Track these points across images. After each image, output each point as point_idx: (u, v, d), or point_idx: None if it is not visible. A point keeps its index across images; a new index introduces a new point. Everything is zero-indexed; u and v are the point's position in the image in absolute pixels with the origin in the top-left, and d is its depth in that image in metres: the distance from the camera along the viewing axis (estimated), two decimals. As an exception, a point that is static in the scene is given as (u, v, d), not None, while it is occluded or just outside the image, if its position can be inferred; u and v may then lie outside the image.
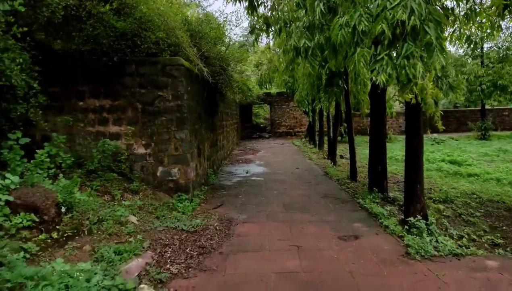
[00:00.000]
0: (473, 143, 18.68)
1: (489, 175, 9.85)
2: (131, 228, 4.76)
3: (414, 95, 4.95)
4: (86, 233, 4.31)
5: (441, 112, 5.29)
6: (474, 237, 5.17)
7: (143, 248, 4.36)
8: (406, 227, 5.28)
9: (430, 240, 4.71)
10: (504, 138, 20.51)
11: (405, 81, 4.12)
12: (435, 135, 19.45)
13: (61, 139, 5.88)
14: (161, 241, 4.72)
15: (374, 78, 4.15)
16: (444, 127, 6.32)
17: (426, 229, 5.06)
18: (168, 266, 4.08)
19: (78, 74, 6.82)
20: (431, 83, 5.00)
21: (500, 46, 19.09)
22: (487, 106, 21.97)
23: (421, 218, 5.26)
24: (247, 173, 10.82)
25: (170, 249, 4.51)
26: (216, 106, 11.54)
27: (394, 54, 4.16)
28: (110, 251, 3.90)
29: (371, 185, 7.73)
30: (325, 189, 8.42)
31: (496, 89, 18.95)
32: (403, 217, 5.81)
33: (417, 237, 4.85)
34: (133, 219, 5.10)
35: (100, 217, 4.68)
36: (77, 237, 4.18)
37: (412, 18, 3.77)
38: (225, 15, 23.68)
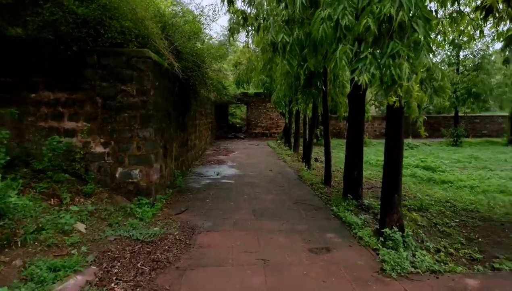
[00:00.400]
0: (446, 149, 18.85)
1: (463, 182, 9.74)
2: (76, 238, 4.19)
3: (397, 98, 4.61)
4: (19, 245, 3.72)
5: (425, 117, 4.98)
6: (451, 250, 4.88)
7: (87, 262, 3.80)
8: (381, 239, 4.93)
9: (406, 255, 4.37)
10: (475, 145, 20.88)
11: (389, 83, 3.78)
12: (409, 140, 19.55)
13: (3, 135, 5.22)
14: (109, 253, 4.17)
15: (356, 78, 3.79)
16: (427, 134, 6.05)
17: (402, 242, 4.73)
18: (112, 284, 3.53)
19: (33, 63, 6.18)
20: (417, 85, 4.66)
21: (476, 54, 19.36)
22: (460, 114, 22.28)
23: (397, 229, 4.92)
24: (218, 174, 10.32)
25: (118, 263, 3.96)
26: (189, 104, 11.00)
27: (379, 53, 3.81)
28: (43, 267, 3.34)
29: (346, 191, 7.40)
30: (298, 194, 8.03)
31: (470, 97, 19.20)
32: (377, 226, 5.47)
33: (393, 251, 4.51)
34: (80, 226, 4.52)
35: (40, 225, 4.08)
36: (6, 250, 3.59)
37: (401, 13, 3.44)
38: (201, 8, 22.96)
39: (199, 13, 10.58)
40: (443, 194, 8.57)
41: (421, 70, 4.23)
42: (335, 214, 6.38)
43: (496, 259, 4.62)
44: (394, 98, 4.37)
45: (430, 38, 4.14)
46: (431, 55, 3.92)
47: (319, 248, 4.84)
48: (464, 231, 5.88)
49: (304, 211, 6.66)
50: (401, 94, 4.27)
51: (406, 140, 18.79)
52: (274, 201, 7.39)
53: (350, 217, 5.95)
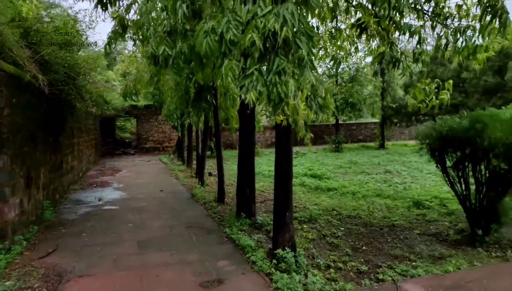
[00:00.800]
0: (329, 155, 20.33)
1: (346, 189, 10.40)
2: None
3: (285, 117, 4.51)
4: None
5: (311, 135, 5.01)
6: (340, 264, 4.95)
7: None
8: (274, 261, 4.77)
9: (299, 279, 4.25)
10: (353, 150, 23.06)
11: (277, 100, 3.62)
12: (297, 148, 20.62)
13: None
14: None
15: (243, 96, 3.55)
16: (312, 147, 6.24)
17: (294, 262, 4.64)
18: None
19: None
20: (303, 103, 4.62)
21: (351, 68, 21.51)
22: (340, 121, 24.43)
23: (289, 249, 4.82)
24: (99, 200, 9.18)
25: None
26: (63, 121, 9.66)
27: (265, 69, 3.65)
28: None
29: (239, 209, 7.19)
30: (190, 217, 7.54)
31: (347, 106, 21.21)
32: (271, 246, 5.33)
33: (286, 275, 4.35)
34: None
35: None
36: None
37: (285, 29, 3.30)
38: (75, 13, 20.81)
39: (73, 18, 9.41)
40: (329, 202, 8.98)
41: (308, 86, 4.20)
42: (228, 237, 6.07)
43: (379, 268, 4.82)
44: (282, 117, 4.26)
45: (313, 54, 4.16)
46: (314, 72, 3.92)
47: (210, 281, 4.43)
48: (350, 240, 6.12)
49: (195, 236, 6.20)
50: (288, 113, 4.17)
51: (294, 149, 19.78)
52: (163, 227, 6.77)
53: (243, 238, 5.70)
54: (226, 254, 5.37)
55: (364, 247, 5.80)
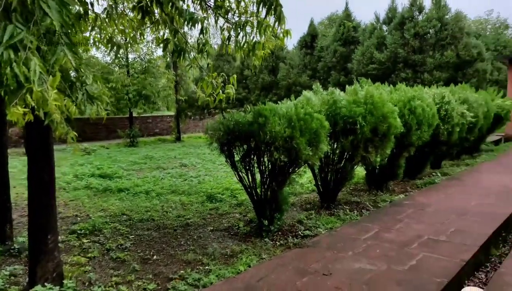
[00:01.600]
0: (123, 151, 18.85)
1: (139, 188, 9.55)
2: None
3: (29, 110, 3.31)
4: None
5: (75, 133, 3.88)
6: (124, 288, 4.11)
7: None
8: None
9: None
10: (150, 144, 22.25)
11: (13, 86, 2.54)
12: (85, 145, 18.27)
13: None
14: None
15: None
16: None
17: (61, 300, 3.57)
18: None
19: None
20: (55, 91, 3.47)
21: (143, 58, 20.44)
22: (134, 115, 23.01)
23: (52, 284, 3.68)
24: None
25: None
26: None
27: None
28: None
29: (-13, 233, 5.35)
30: None
31: (141, 98, 20.13)
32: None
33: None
34: None
35: None
36: None
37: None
38: None
39: None
40: (119, 205, 7.96)
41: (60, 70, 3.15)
42: (-39, 278, 4.31)
43: (170, 282, 4.26)
44: (23, 109, 3.08)
45: (72, 28, 3.19)
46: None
47: None
48: (139, 251, 5.37)
49: None
50: (33, 104, 3.03)
51: (82, 145, 17.35)
52: None
53: (-14, 277, 4.13)
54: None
55: (155, 256, 5.16)
